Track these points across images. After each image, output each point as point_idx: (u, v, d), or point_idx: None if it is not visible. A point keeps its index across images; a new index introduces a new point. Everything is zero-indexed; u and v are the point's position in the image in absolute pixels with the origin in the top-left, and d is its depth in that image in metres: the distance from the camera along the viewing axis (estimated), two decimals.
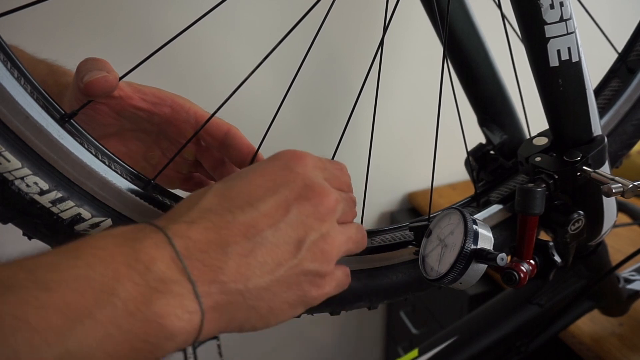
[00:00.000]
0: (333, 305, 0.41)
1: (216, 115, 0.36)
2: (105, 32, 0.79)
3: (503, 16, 0.45)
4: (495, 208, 0.45)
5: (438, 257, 0.37)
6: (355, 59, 0.93)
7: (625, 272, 0.68)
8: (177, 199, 0.35)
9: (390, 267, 0.42)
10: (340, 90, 0.96)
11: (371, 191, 1.32)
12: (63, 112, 0.29)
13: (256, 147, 0.39)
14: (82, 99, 0.34)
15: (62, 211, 0.29)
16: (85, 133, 0.30)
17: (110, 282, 0.21)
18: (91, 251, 0.22)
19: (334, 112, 0.96)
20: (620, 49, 0.50)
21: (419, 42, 0.99)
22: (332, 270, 0.29)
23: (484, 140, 0.56)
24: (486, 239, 0.36)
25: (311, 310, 0.39)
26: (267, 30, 0.83)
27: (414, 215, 1.10)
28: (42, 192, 0.28)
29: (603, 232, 0.49)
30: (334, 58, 0.95)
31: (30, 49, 0.40)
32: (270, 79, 0.78)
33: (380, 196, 1.14)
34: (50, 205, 0.28)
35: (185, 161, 0.42)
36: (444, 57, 0.41)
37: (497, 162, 0.52)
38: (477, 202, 0.46)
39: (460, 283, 0.35)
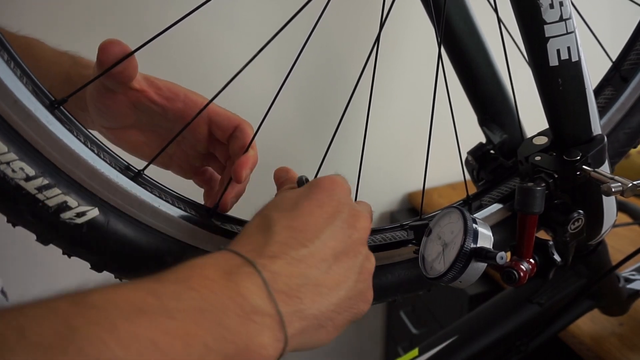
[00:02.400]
0: None
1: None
2: (104, 27, 0.79)
3: (499, 20, 0.46)
4: (495, 207, 0.45)
5: (438, 255, 0.37)
6: (355, 57, 0.93)
7: (625, 271, 0.68)
8: (165, 192, 0.34)
9: (390, 266, 0.42)
10: (341, 89, 0.96)
11: (371, 191, 1.33)
12: (53, 99, 0.29)
13: (257, 147, 0.39)
14: (103, 89, 0.35)
15: (48, 198, 0.28)
16: (74, 120, 0.30)
17: (220, 315, 0.24)
18: (204, 282, 0.24)
19: (334, 111, 0.96)
20: (615, 57, 0.50)
21: (419, 42, 0.99)
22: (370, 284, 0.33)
23: (484, 140, 0.56)
24: (486, 238, 0.36)
25: None
26: (267, 29, 0.84)
27: (414, 215, 1.10)
28: (28, 178, 0.27)
29: (603, 231, 0.49)
30: (334, 57, 0.96)
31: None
32: (272, 78, 0.78)
33: (381, 196, 1.14)
34: (36, 191, 0.27)
35: (197, 154, 0.42)
36: (439, 57, 0.41)
37: (497, 161, 0.52)
38: (469, 206, 0.46)
39: (460, 282, 0.35)
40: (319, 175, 0.40)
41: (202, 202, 0.40)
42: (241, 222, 0.38)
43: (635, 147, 0.50)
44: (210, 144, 0.41)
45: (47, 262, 0.91)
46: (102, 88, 0.36)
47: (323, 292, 0.28)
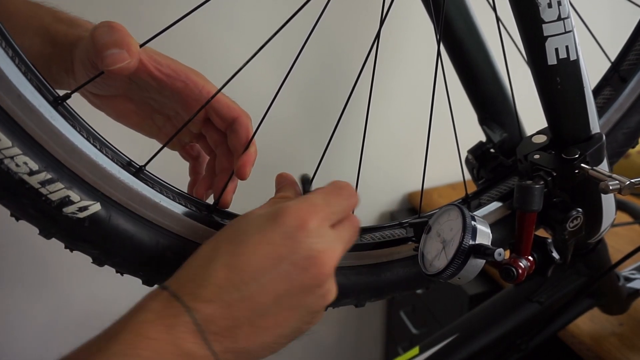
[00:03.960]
0: None
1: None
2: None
3: (498, 19, 0.46)
4: (494, 205, 0.45)
5: (437, 252, 0.37)
6: (356, 56, 0.93)
7: (625, 270, 0.68)
8: (166, 188, 0.34)
9: (388, 264, 0.43)
10: (342, 88, 0.96)
11: (371, 191, 1.32)
12: (56, 95, 0.29)
13: (257, 145, 0.39)
14: (94, 64, 0.34)
15: (50, 192, 0.28)
16: (77, 116, 0.30)
17: None
18: (148, 343, 0.26)
19: (334, 110, 0.96)
20: (613, 58, 0.50)
21: (419, 41, 1.00)
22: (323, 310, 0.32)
23: (484, 139, 0.56)
24: (484, 235, 0.36)
25: None
26: (267, 27, 0.84)
27: (414, 215, 1.10)
28: (31, 173, 0.27)
29: (602, 229, 0.49)
30: (335, 56, 0.96)
31: None
32: (273, 77, 0.78)
33: (381, 196, 1.15)
34: (39, 186, 0.28)
35: (188, 132, 0.42)
36: (438, 56, 0.41)
37: (497, 160, 0.52)
38: (468, 204, 0.46)
39: (459, 278, 0.36)
40: (317, 173, 0.40)
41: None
42: None
43: (633, 147, 0.50)
44: (204, 127, 0.41)
45: (48, 260, 0.91)
46: (93, 63, 0.35)
47: (259, 332, 0.29)
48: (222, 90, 0.37)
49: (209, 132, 0.41)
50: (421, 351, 0.56)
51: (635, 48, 0.49)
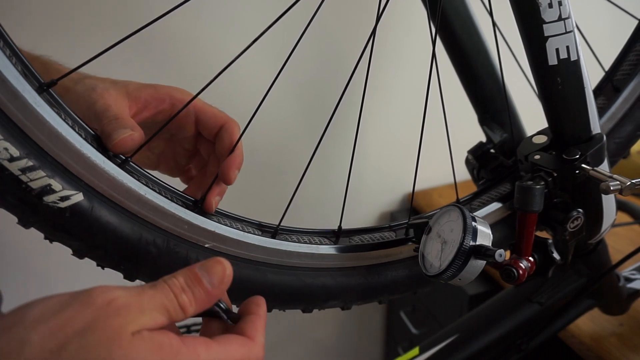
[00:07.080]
0: (305, 303, 0.40)
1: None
2: (103, 27, 0.79)
3: (494, 24, 0.46)
4: (494, 206, 0.45)
5: (437, 253, 0.37)
6: (356, 54, 0.93)
7: (625, 271, 0.68)
8: (152, 181, 0.34)
9: (377, 266, 0.42)
10: (341, 86, 0.96)
11: (371, 191, 1.31)
12: (42, 81, 0.28)
13: (244, 148, 0.39)
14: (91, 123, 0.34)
15: (31, 180, 0.27)
16: (63, 104, 0.29)
17: None
18: None
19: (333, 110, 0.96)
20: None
21: (419, 41, 0.99)
22: None
23: (484, 139, 0.56)
24: (485, 236, 0.36)
25: (283, 307, 0.40)
26: (265, 25, 0.84)
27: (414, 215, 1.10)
28: (12, 159, 0.27)
29: (602, 230, 0.49)
30: (334, 54, 0.96)
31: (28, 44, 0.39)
32: (272, 76, 0.78)
33: (381, 196, 1.15)
34: (20, 173, 0.27)
35: (185, 152, 0.43)
36: (433, 55, 0.41)
37: (497, 160, 0.52)
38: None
39: (460, 279, 0.36)
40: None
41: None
42: (227, 215, 0.38)
43: (625, 158, 0.50)
44: (197, 141, 0.42)
45: (43, 264, 0.91)
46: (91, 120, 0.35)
47: None
48: (216, 96, 0.37)
49: (202, 145, 0.42)
50: (421, 351, 0.56)
51: (629, 58, 0.49)
